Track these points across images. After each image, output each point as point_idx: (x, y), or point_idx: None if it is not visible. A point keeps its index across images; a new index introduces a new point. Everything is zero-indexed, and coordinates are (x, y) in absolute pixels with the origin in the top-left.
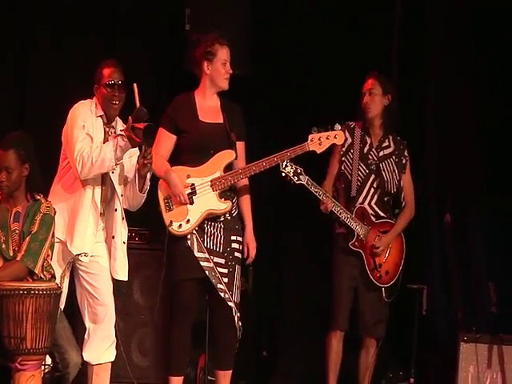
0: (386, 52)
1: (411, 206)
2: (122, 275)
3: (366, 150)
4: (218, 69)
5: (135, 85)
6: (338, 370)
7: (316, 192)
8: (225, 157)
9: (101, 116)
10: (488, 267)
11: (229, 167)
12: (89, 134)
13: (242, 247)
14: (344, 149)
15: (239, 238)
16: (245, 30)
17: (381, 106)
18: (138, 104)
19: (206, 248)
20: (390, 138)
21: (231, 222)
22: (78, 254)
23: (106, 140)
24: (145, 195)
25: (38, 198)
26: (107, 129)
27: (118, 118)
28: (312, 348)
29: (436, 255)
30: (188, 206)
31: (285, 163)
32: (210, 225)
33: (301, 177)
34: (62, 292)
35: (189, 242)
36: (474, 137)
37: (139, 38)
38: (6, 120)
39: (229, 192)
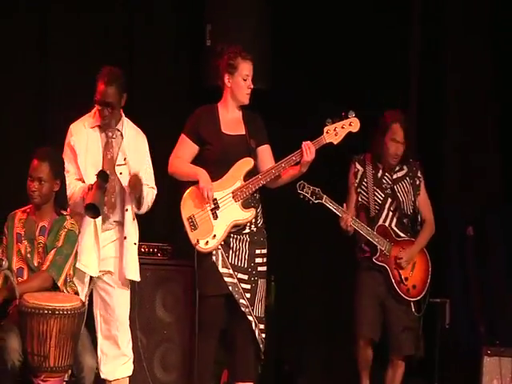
0: (406, 76)
1: (431, 223)
2: (134, 276)
3: (379, 175)
4: (239, 83)
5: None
6: (370, 368)
7: (335, 209)
8: (243, 165)
9: (97, 126)
10: (510, 280)
11: (250, 175)
12: (74, 149)
13: (267, 259)
14: (357, 180)
15: (263, 251)
16: (265, 44)
17: (403, 150)
18: None
19: (231, 264)
20: (403, 161)
21: (256, 234)
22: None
23: (107, 146)
24: (144, 211)
25: (65, 213)
26: (110, 133)
27: (124, 118)
28: (334, 362)
29: (458, 268)
30: (213, 221)
31: (302, 185)
32: (236, 238)
33: (318, 196)
34: (85, 310)
35: (214, 257)
36: (494, 147)
37: (159, 53)
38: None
39: (252, 201)
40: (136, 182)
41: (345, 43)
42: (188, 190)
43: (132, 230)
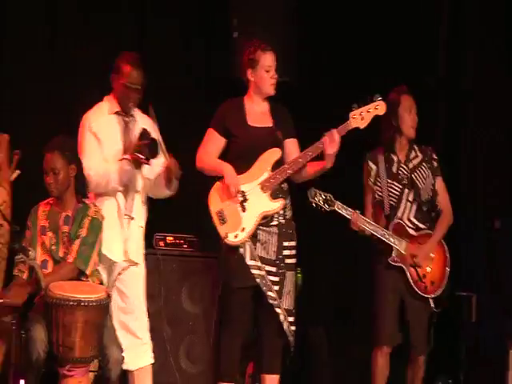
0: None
1: (448, 211)
2: (137, 259)
3: (394, 168)
4: (262, 76)
5: (150, 106)
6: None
7: (348, 215)
8: (271, 156)
9: (116, 112)
10: None
11: (277, 166)
12: (96, 135)
13: (296, 251)
14: (372, 179)
15: (292, 243)
16: (291, 37)
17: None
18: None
19: (258, 256)
20: (416, 148)
21: (285, 226)
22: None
23: (126, 131)
24: (172, 193)
25: (87, 202)
26: (127, 119)
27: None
28: (358, 358)
29: (484, 262)
30: (241, 213)
31: (313, 192)
32: (264, 231)
33: (330, 203)
34: (111, 301)
35: (241, 249)
36: None
37: (186, 46)
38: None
39: (280, 192)
40: (175, 163)
41: (373, 34)
42: (215, 184)
43: (141, 212)
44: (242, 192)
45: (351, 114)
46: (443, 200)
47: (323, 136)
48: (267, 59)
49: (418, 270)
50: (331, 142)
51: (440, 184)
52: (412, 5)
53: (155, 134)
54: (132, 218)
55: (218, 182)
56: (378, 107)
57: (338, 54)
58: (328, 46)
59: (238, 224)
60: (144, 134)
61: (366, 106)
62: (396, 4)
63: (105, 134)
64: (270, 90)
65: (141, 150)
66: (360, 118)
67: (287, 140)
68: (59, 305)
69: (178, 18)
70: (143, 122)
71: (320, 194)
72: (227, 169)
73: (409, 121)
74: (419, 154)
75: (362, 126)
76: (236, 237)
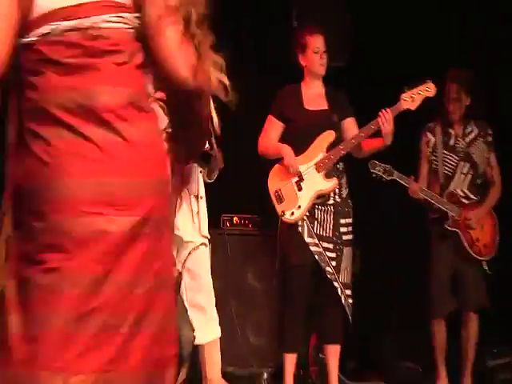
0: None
1: (499, 185)
2: (207, 232)
3: (452, 141)
4: (311, 57)
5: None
6: (445, 351)
7: (407, 183)
8: (325, 138)
9: None
10: None
11: (333, 147)
12: None
13: (353, 228)
14: (430, 149)
15: (348, 221)
16: (349, 26)
17: (464, 106)
18: None
19: (316, 233)
20: (472, 122)
21: (341, 205)
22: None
23: None
24: (211, 181)
25: None
26: None
27: None
28: (416, 333)
29: None
30: (298, 192)
31: (373, 164)
32: (320, 209)
33: (390, 173)
34: (181, 279)
35: (299, 227)
36: None
37: (248, 34)
38: None
39: (335, 172)
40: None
41: (425, 22)
42: (274, 167)
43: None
44: (299, 172)
45: (402, 96)
46: (495, 174)
47: (377, 116)
48: (315, 41)
49: (472, 233)
50: (385, 122)
51: (493, 158)
52: None
53: None
54: (201, 198)
55: (276, 165)
56: (429, 89)
57: (390, 42)
58: (387, 34)
59: (295, 202)
60: None
61: (417, 88)
62: None
63: None
64: (320, 70)
65: None
66: (411, 99)
67: (345, 120)
68: None
69: None
70: None
71: (380, 165)
72: (286, 150)
73: (448, 104)
74: (475, 128)
75: (412, 108)
76: (292, 214)
